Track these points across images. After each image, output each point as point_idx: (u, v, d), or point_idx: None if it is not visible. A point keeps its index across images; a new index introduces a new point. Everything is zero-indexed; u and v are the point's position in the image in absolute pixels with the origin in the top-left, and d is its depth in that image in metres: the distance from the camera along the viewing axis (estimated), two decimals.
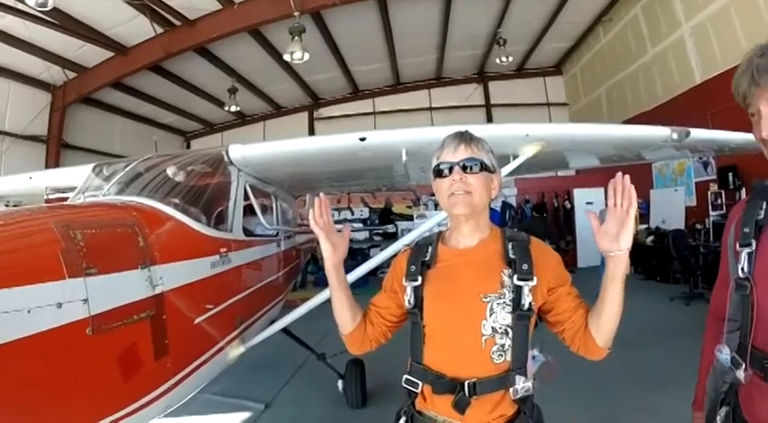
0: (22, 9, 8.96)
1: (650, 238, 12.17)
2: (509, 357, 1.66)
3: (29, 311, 1.79)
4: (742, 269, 1.51)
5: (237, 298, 3.60)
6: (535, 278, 1.68)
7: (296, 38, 10.65)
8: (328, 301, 4.01)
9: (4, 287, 1.73)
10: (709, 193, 10.97)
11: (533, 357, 1.74)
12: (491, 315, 1.65)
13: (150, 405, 2.47)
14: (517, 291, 1.66)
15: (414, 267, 1.79)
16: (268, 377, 6.08)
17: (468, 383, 1.62)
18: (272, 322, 4.27)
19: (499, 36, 14.32)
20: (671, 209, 12.31)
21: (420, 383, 1.73)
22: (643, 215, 13.26)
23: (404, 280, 1.80)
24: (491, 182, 1.80)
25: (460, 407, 1.63)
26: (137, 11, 10.45)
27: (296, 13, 10.47)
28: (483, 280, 1.69)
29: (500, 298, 1.66)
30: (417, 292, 1.75)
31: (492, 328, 1.65)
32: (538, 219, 14.44)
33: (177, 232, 2.98)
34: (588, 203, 12.41)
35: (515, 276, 1.67)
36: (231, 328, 3.53)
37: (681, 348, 5.36)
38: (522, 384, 1.65)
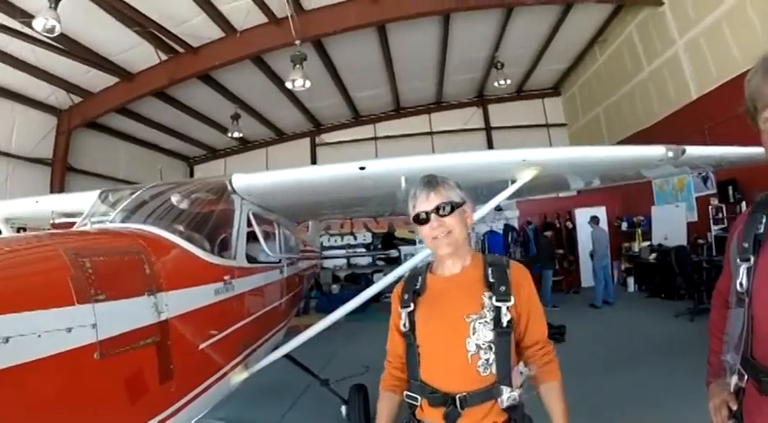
0: (30, 34, 9.13)
1: (653, 256, 12.19)
2: (494, 370, 1.86)
3: (39, 335, 1.84)
4: (740, 284, 1.53)
5: (241, 324, 3.63)
6: (512, 298, 1.88)
7: (297, 66, 10.80)
8: (332, 327, 4.04)
9: (15, 311, 1.79)
10: (709, 207, 10.97)
11: (520, 372, 1.90)
12: (474, 333, 1.86)
13: None
14: (497, 311, 1.87)
15: (407, 296, 2.02)
16: (272, 403, 6.07)
17: (459, 397, 1.83)
18: (276, 348, 4.28)
19: (497, 59, 14.51)
20: (672, 225, 12.31)
21: (419, 397, 1.94)
22: (645, 232, 13.28)
23: (399, 307, 2.03)
24: (464, 214, 2.01)
25: (451, 419, 1.85)
26: (141, 38, 10.65)
27: (297, 42, 10.65)
28: (466, 302, 1.90)
29: (481, 317, 1.87)
30: (411, 316, 1.98)
31: (476, 344, 1.85)
32: (545, 241, 13.76)
33: (182, 260, 3.03)
34: (593, 218, 12.34)
35: (494, 298, 1.88)
36: (235, 354, 3.56)
37: (684, 366, 5.33)
38: (507, 394, 1.84)
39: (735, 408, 1.62)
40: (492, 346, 1.85)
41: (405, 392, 2.01)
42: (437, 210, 1.94)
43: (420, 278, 2.05)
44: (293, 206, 5.03)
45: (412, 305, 1.99)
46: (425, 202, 1.97)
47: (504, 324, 1.85)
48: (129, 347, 2.30)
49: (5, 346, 1.72)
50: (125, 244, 2.74)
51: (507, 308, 1.87)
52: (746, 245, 1.54)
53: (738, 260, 1.56)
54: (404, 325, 1.99)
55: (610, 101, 15.26)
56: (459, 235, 1.96)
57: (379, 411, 2.11)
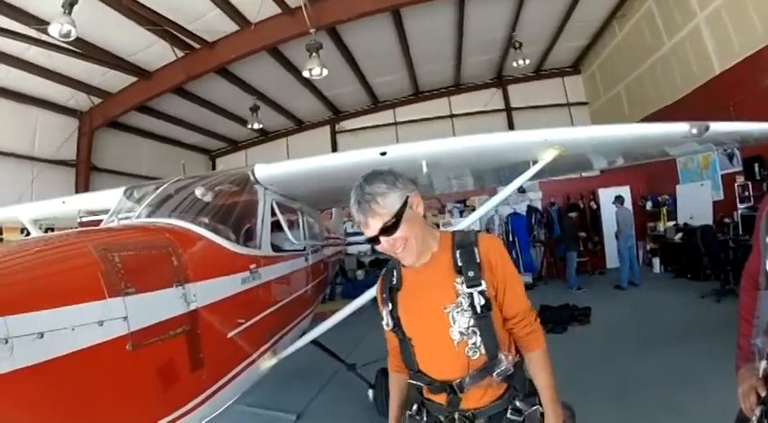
0: (47, 40, 9.25)
1: (679, 235, 11.98)
2: (483, 350, 1.88)
3: (72, 329, 1.91)
4: None
5: (268, 312, 3.69)
6: (483, 281, 1.86)
7: (313, 54, 10.79)
8: (358, 313, 4.10)
9: (49, 307, 1.85)
10: (735, 185, 10.74)
11: (504, 357, 1.92)
12: (454, 323, 1.87)
13: (186, 416, 2.57)
14: (470, 296, 1.86)
15: (385, 294, 2.04)
16: (300, 388, 6.17)
17: (455, 384, 1.88)
18: (303, 334, 4.34)
19: (515, 39, 14.23)
20: (698, 204, 12.08)
21: (421, 384, 1.99)
22: (670, 212, 13.08)
23: (381, 305, 2.05)
24: (412, 211, 1.88)
25: (454, 404, 1.90)
26: (157, 36, 10.74)
27: (312, 30, 10.61)
28: (440, 293, 1.90)
29: (458, 306, 1.87)
30: (392, 314, 2.00)
31: (459, 332, 1.87)
32: (569, 222, 13.37)
33: (208, 251, 3.08)
34: (617, 197, 12.18)
35: (465, 284, 1.87)
36: (263, 341, 3.62)
37: (711, 348, 5.28)
38: (500, 369, 1.87)
39: (764, 394, 1.60)
40: (475, 329, 1.87)
41: (408, 380, 2.05)
42: (382, 232, 1.82)
43: (395, 272, 2.04)
44: (316, 194, 5.05)
45: (390, 304, 2.00)
46: (367, 229, 1.84)
47: (479, 310, 1.85)
48: (159, 338, 2.36)
49: (41, 341, 1.78)
50: (152, 238, 2.79)
51: (479, 292, 1.85)
52: None
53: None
54: (387, 324, 2.01)
55: (631, 77, 14.92)
56: (416, 238, 1.88)
57: (391, 392, 2.19)
